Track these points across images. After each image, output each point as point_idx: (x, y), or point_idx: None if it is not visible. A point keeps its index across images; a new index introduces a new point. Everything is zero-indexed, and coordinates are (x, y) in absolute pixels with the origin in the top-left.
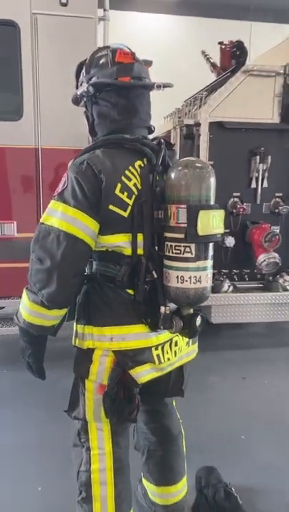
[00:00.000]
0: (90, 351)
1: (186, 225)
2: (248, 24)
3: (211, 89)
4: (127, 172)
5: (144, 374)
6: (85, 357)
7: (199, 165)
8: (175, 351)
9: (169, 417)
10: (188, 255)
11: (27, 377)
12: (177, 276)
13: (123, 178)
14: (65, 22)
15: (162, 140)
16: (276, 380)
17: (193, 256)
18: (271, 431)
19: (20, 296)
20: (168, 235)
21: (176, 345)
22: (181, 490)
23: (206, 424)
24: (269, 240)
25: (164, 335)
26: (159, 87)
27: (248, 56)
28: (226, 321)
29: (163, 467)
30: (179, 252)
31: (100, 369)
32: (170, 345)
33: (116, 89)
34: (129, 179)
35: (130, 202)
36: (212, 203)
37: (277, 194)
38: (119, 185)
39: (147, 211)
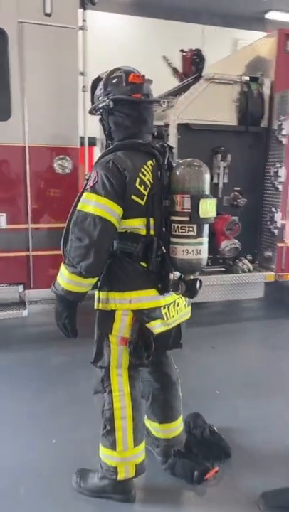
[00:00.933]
0: (113, 312)
1: (190, 210)
2: (200, 27)
3: (176, 92)
4: (142, 169)
5: (157, 327)
6: (108, 317)
7: (198, 164)
8: (177, 311)
9: (170, 367)
10: (191, 233)
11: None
12: (183, 250)
13: (140, 174)
14: (49, 30)
15: (166, 144)
16: (240, 348)
17: (195, 234)
18: (240, 386)
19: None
20: (174, 218)
21: (178, 306)
22: (179, 426)
23: (187, 384)
24: (230, 228)
25: (170, 297)
26: (163, 102)
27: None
28: (194, 300)
29: (165, 408)
30: (184, 231)
31: (122, 325)
32: (174, 306)
33: (130, 103)
34: (144, 175)
35: (146, 193)
36: (207, 193)
37: (235, 188)
38: (138, 180)
39: (157, 200)
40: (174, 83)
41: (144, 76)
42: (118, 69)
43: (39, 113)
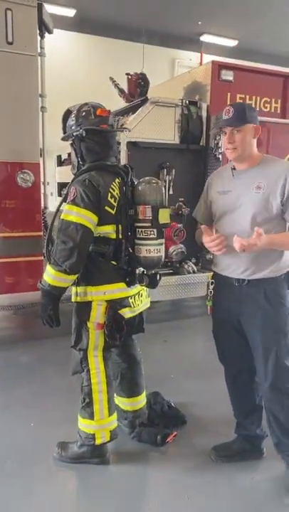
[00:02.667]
0: (89, 303)
1: (151, 218)
2: (140, 46)
3: (124, 113)
4: (112, 186)
5: (126, 313)
6: (86, 307)
7: (155, 181)
8: (141, 300)
9: (135, 349)
10: (152, 236)
11: None
12: (146, 249)
13: (110, 189)
14: (10, 57)
15: (128, 165)
16: (188, 340)
17: (155, 236)
18: (190, 370)
19: None
20: (138, 224)
21: (141, 296)
22: (143, 399)
23: (145, 372)
24: (177, 234)
25: (135, 289)
26: (124, 130)
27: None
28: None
29: (132, 384)
30: (146, 234)
31: (98, 313)
32: (138, 296)
33: (99, 132)
34: (114, 190)
35: (115, 204)
36: (164, 204)
37: (180, 199)
38: (109, 194)
39: (124, 210)
40: (116, 99)
41: (109, 110)
42: (86, 104)
43: (4, 131)
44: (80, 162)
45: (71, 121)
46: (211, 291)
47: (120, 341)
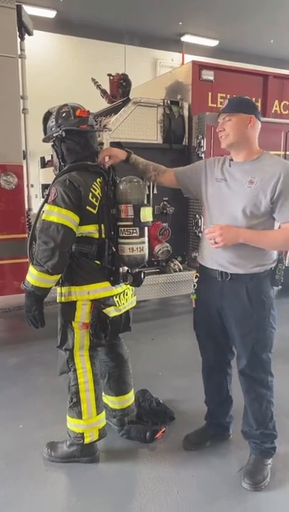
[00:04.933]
0: (74, 303)
1: (133, 216)
2: (122, 47)
3: (106, 113)
4: (93, 185)
5: (111, 312)
6: (70, 307)
7: (136, 180)
8: (126, 299)
9: (122, 347)
10: (135, 234)
11: None
12: (129, 248)
13: (91, 189)
14: None
15: (111, 165)
16: (175, 338)
17: (138, 235)
18: (177, 368)
19: None
20: (121, 223)
21: (126, 295)
22: (131, 397)
23: (133, 369)
24: (162, 233)
25: (120, 288)
26: (105, 130)
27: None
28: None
29: (119, 382)
30: (129, 233)
31: (82, 313)
32: (124, 295)
33: (79, 133)
34: (95, 190)
35: (97, 204)
36: (145, 202)
37: (164, 198)
38: (90, 194)
39: (106, 209)
40: (99, 100)
41: (88, 111)
42: (66, 105)
43: None
44: (62, 163)
45: (51, 122)
46: (194, 285)
47: (106, 340)
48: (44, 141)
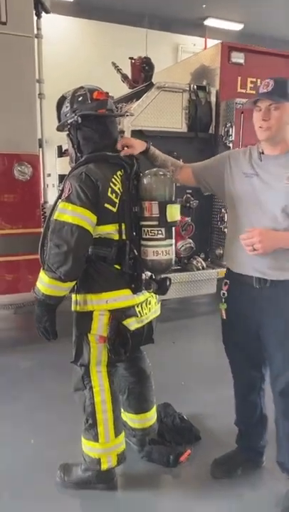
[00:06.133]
0: (90, 313)
1: (158, 215)
2: (144, 31)
3: (127, 99)
4: (113, 179)
5: (132, 324)
6: (86, 317)
7: (162, 173)
8: (149, 308)
9: (144, 361)
10: (160, 236)
11: None
12: (153, 251)
13: (111, 184)
14: (4, 39)
15: (133, 155)
16: (198, 343)
17: (163, 236)
18: (201, 376)
19: None
20: (144, 223)
21: (149, 303)
22: (153, 415)
23: (154, 378)
24: (185, 229)
25: (142, 296)
26: (126, 115)
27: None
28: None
29: (140, 400)
30: (153, 234)
31: (100, 325)
32: (146, 304)
33: (96, 118)
34: (115, 184)
35: (117, 200)
36: (173, 199)
37: (187, 191)
38: (109, 189)
39: (127, 207)
40: (120, 85)
41: (107, 93)
42: (82, 88)
43: None
44: (78, 154)
45: (65, 108)
46: (224, 293)
47: (126, 356)
48: (58, 129)
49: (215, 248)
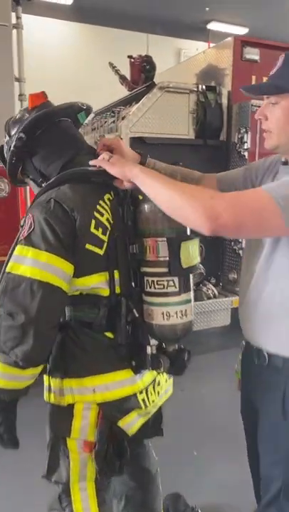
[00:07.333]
0: (70, 407)
1: (167, 259)
2: (144, 35)
3: (126, 102)
4: (98, 207)
5: (133, 423)
6: (64, 414)
7: None
8: (158, 391)
9: (147, 458)
10: (172, 289)
11: None
12: (162, 313)
13: (96, 213)
14: None
15: None
16: (212, 390)
17: (177, 289)
18: (218, 440)
19: None
20: (147, 269)
21: (158, 384)
22: None
23: (158, 444)
24: None
25: (148, 376)
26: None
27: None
28: None
29: (143, 509)
30: (161, 286)
31: (84, 424)
32: (154, 386)
33: (43, 123)
34: (102, 214)
35: (105, 238)
36: (188, 232)
37: None
38: (93, 222)
39: (122, 246)
40: (120, 91)
41: (43, 92)
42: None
43: None
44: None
45: (5, 144)
46: (240, 359)
47: (121, 470)
48: (13, 182)
49: (227, 272)
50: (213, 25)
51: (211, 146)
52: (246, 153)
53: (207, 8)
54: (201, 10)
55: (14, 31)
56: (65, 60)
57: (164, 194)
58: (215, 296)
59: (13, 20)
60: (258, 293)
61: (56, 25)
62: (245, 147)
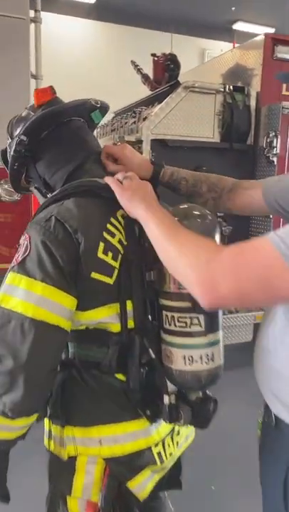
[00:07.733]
0: (72, 460)
1: None
2: (168, 35)
3: (149, 102)
4: (109, 226)
5: (145, 484)
6: (64, 467)
7: (199, 213)
8: (177, 442)
9: (162, 510)
10: (197, 328)
11: None
12: (184, 356)
13: (105, 234)
14: None
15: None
16: (232, 411)
17: (203, 329)
18: (238, 472)
19: None
20: (166, 303)
21: (178, 434)
22: None
23: None
24: None
25: (165, 426)
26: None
27: None
28: None
29: None
30: (184, 324)
31: (87, 482)
32: (172, 437)
33: (54, 126)
34: (113, 235)
35: (116, 264)
36: None
37: (219, 214)
38: (101, 245)
39: (137, 273)
40: (144, 91)
41: (51, 86)
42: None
43: None
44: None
45: (8, 147)
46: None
47: None
48: (18, 191)
49: None
50: (238, 26)
51: (237, 150)
52: (275, 159)
53: (233, 8)
54: (226, 9)
55: (32, 26)
56: (85, 61)
57: (162, 246)
58: (237, 311)
59: (31, 14)
60: (274, 343)
61: (79, 24)
62: (275, 152)
